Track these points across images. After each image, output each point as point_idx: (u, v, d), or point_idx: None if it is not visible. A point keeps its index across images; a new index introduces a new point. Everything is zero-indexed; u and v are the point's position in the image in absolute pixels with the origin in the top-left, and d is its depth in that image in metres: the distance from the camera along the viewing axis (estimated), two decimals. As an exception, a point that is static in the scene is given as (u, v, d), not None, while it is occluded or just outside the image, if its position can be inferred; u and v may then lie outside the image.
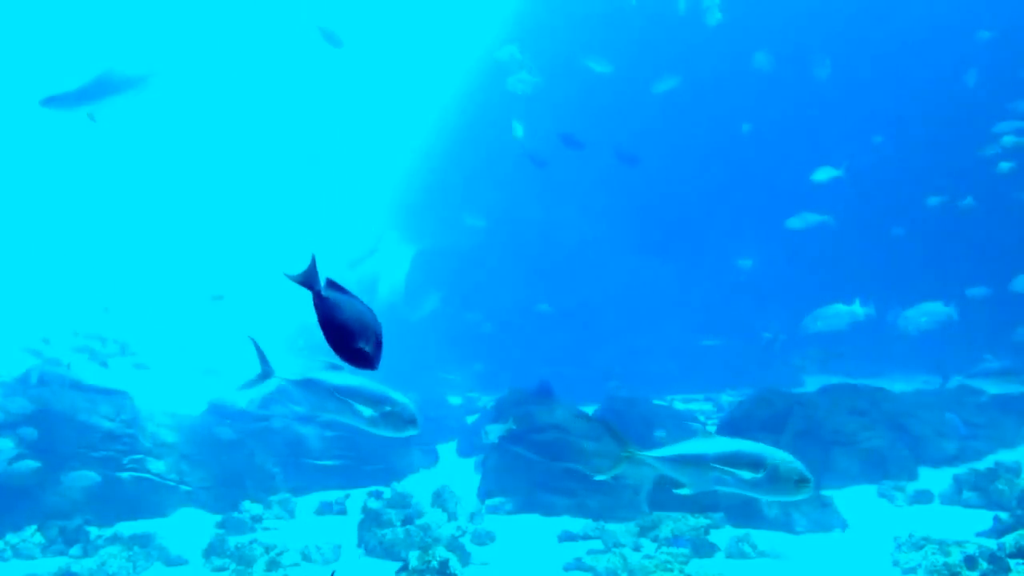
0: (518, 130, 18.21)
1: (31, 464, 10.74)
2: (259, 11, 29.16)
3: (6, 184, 29.76)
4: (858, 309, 12.44)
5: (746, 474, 5.84)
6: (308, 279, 3.66)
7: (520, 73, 17.00)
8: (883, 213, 18.67)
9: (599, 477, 8.46)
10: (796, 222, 14.35)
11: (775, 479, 5.85)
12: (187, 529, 10.96)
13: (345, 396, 5.98)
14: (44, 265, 27.27)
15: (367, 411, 5.88)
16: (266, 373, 6.52)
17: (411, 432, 5.94)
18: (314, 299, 3.64)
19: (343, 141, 30.91)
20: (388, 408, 5.90)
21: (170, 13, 28.96)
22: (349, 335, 3.58)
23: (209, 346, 20.93)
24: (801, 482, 5.89)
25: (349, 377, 6.17)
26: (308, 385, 6.26)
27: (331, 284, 3.69)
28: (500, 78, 18.11)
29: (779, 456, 5.96)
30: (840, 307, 12.63)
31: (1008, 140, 14.10)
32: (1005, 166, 14.27)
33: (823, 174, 14.13)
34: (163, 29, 29.97)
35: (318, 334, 3.68)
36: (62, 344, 16.60)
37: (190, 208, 30.60)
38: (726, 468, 5.90)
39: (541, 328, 20.09)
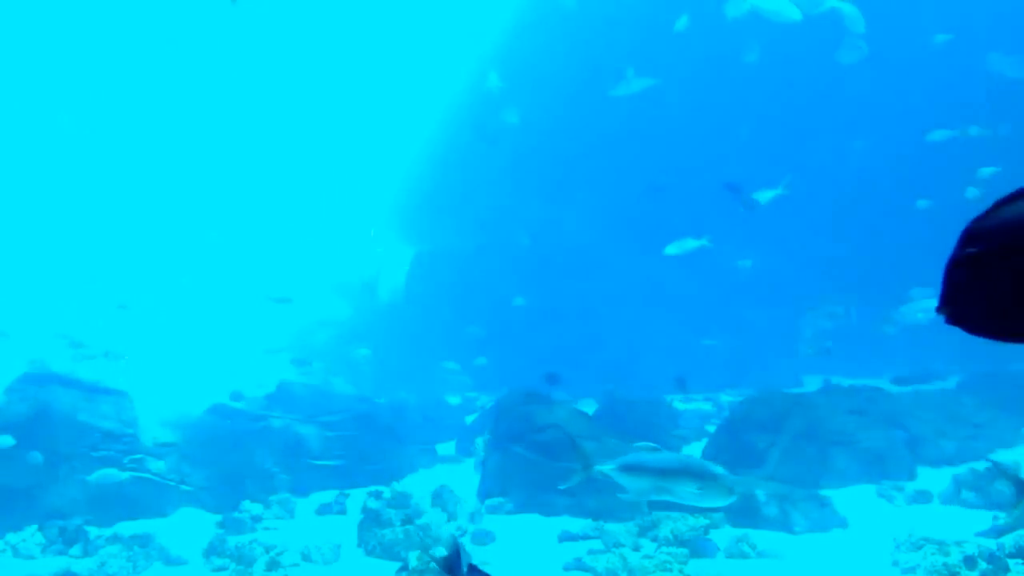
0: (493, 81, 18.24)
1: (37, 457, 10.76)
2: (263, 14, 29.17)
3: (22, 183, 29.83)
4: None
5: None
6: (451, 566, 3.86)
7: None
8: (883, 213, 18.69)
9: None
10: (673, 248, 14.54)
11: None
12: (187, 529, 10.97)
13: (669, 476, 6.30)
14: (48, 264, 27.27)
15: (691, 487, 6.17)
16: (586, 467, 7.07)
17: (731, 500, 6.33)
18: None
19: (344, 144, 30.94)
20: (710, 481, 6.19)
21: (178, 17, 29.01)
22: None
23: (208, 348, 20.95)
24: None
25: (668, 457, 6.66)
26: (632, 470, 6.54)
27: (472, 570, 3.94)
28: (503, 79, 18.16)
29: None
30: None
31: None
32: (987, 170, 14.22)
33: (765, 196, 14.17)
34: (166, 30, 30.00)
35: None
36: (54, 346, 16.61)
37: (192, 209, 30.61)
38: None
39: (541, 328, 20.09)
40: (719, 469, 6.27)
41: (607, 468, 6.71)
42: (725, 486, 6.16)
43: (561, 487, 8.85)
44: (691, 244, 14.26)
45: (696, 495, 6.18)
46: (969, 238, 2.40)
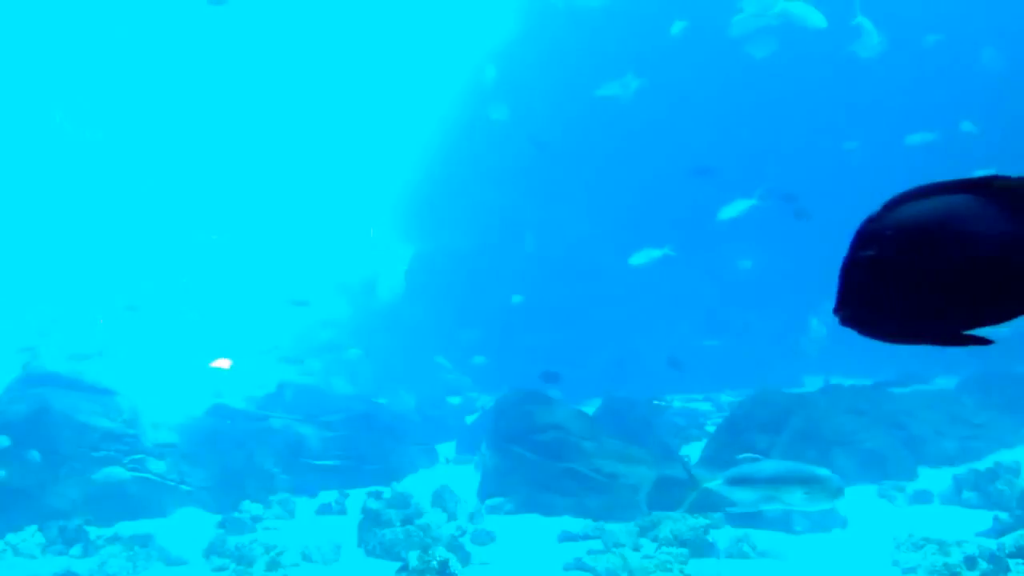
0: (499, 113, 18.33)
1: (35, 456, 10.76)
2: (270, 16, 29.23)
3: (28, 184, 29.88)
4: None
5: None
6: None
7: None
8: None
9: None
10: (638, 258, 14.64)
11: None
12: (187, 529, 10.96)
13: (777, 484, 6.43)
14: (47, 265, 27.28)
15: (799, 493, 6.32)
16: (695, 485, 7.16)
17: (839, 500, 6.55)
18: None
19: (344, 143, 30.93)
20: (816, 485, 6.33)
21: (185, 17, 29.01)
22: None
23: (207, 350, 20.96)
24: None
25: (773, 466, 6.88)
26: (740, 483, 6.65)
27: None
28: (502, 79, 18.15)
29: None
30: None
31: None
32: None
33: (735, 208, 14.19)
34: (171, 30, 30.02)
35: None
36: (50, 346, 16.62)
37: (192, 209, 30.62)
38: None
39: (541, 328, 20.08)
40: (824, 471, 6.37)
41: (714, 484, 6.81)
42: (832, 487, 6.27)
43: (677, 512, 8.97)
44: (654, 253, 14.44)
45: (804, 500, 6.31)
46: (865, 239, 2.41)
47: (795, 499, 6.28)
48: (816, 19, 13.73)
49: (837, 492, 6.26)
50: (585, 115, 20.12)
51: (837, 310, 2.45)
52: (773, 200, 14.33)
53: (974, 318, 2.38)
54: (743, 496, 6.58)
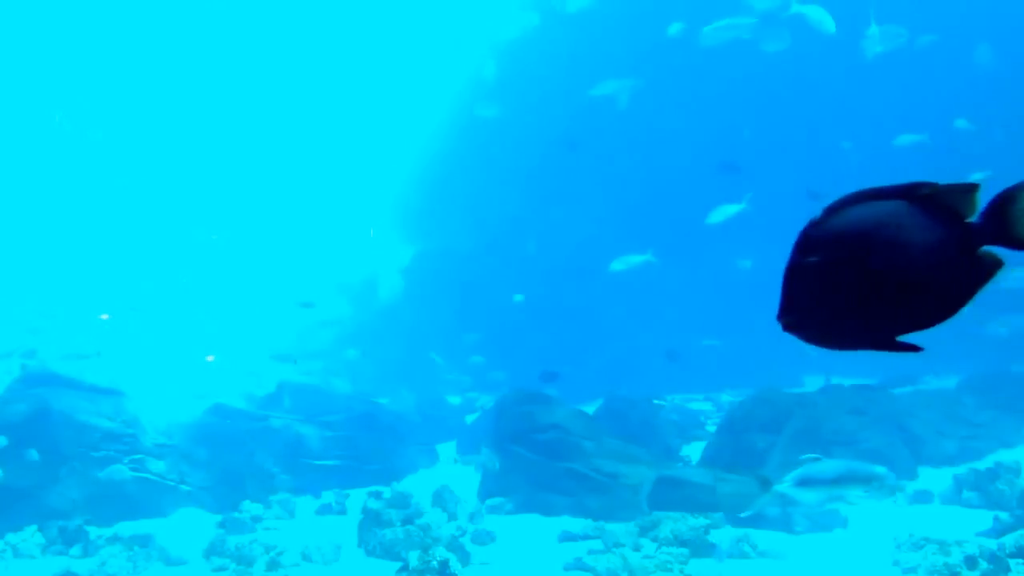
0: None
1: (33, 454, 10.76)
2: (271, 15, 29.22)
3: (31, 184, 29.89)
4: None
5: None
6: None
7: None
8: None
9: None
10: (619, 264, 14.81)
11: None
12: (187, 529, 10.96)
13: (841, 483, 6.84)
14: (46, 264, 27.27)
15: (860, 490, 6.84)
16: (766, 486, 7.36)
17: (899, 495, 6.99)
18: None
19: (345, 143, 30.93)
20: (876, 482, 6.82)
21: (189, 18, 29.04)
22: None
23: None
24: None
25: (835, 465, 7.18)
26: (806, 484, 6.92)
27: None
28: (503, 79, 18.14)
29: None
30: None
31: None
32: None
33: (721, 213, 14.26)
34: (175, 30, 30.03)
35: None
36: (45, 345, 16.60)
37: (192, 209, 30.61)
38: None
39: (541, 328, 20.08)
40: (881, 469, 6.67)
41: (783, 487, 7.00)
42: (890, 484, 6.63)
43: (742, 515, 9.09)
44: (636, 260, 14.59)
45: (866, 497, 6.52)
46: (808, 245, 2.41)
47: (857, 496, 6.53)
48: (828, 23, 13.81)
49: (895, 488, 6.48)
50: (585, 115, 20.11)
51: (781, 316, 2.43)
52: (808, 198, 14.29)
53: (907, 324, 2.41)
54: (811, 497, 6.90)
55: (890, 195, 2.41)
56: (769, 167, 18.99)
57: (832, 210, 2.41)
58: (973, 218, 2.38)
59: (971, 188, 2.38)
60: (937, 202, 2.38)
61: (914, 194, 2.40)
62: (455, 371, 19.27)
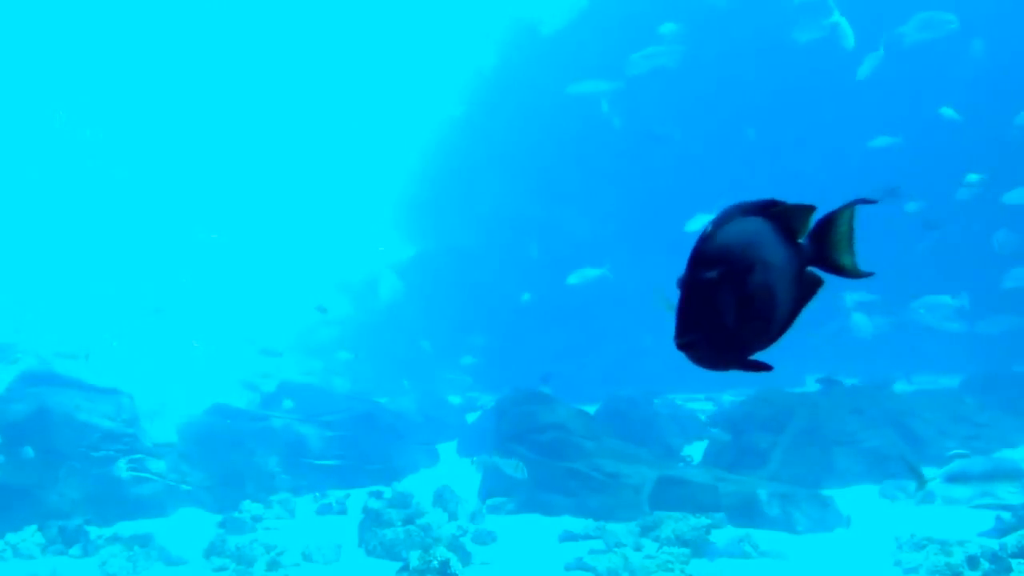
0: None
1: (29, 452, 10.74)
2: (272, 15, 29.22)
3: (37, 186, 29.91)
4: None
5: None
6: None
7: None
8: (876, 214, 18.62)
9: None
10: (574, 278, 14.91)
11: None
12: (187, 529, 10.94)
13: (991, 479, 7.21)
14: (43, 263, 27.26)
15: (1010, 487, 7.12)
16: (921, 482, 7.52)
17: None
18: None
19: (346, 142, 30.93)
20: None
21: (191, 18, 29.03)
22: None
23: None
24: None
25: (983, 462, 7.59)
26: (957, 479, 7.29)
27: None
28: (504, 79, 18.12)
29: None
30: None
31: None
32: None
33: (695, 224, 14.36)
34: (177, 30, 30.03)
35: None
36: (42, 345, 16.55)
37: (192, 208, 30.61)
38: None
39: (542, 327, 20.06)
40: None
41: (935, 483, 7.26)
42: None
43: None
44: (592, 273, 14.72)
45: (1014, 493, 6.89)
46: (702, 260, 2.34)
47: (1006, 492, 6.67)
48: (850, 40, 14.02)
49: None
50: (585, 114, 20.10)
51: (680, 336, 2.32)
52: (888, 197, 14.22)
53: (762, 341, 2.42)
54: (962, 492, 7.09)
55: (753, 211, 2.41)
56: (769, 167, 18.99)
57: (718, 224, 2.37)
58: (802, 239, 2.43)
59: (808, 209, 2.41)
60: (783, 221, 2.41)
61: (768, 212, 2.41)
62: (455, 370, 19.25)
